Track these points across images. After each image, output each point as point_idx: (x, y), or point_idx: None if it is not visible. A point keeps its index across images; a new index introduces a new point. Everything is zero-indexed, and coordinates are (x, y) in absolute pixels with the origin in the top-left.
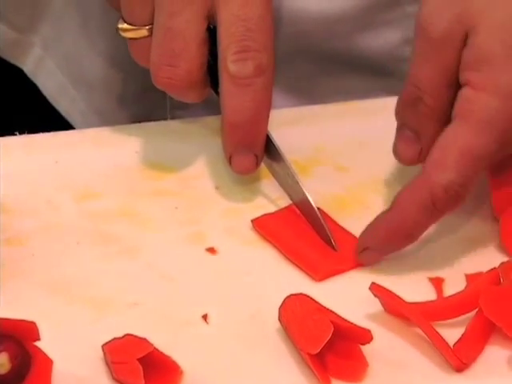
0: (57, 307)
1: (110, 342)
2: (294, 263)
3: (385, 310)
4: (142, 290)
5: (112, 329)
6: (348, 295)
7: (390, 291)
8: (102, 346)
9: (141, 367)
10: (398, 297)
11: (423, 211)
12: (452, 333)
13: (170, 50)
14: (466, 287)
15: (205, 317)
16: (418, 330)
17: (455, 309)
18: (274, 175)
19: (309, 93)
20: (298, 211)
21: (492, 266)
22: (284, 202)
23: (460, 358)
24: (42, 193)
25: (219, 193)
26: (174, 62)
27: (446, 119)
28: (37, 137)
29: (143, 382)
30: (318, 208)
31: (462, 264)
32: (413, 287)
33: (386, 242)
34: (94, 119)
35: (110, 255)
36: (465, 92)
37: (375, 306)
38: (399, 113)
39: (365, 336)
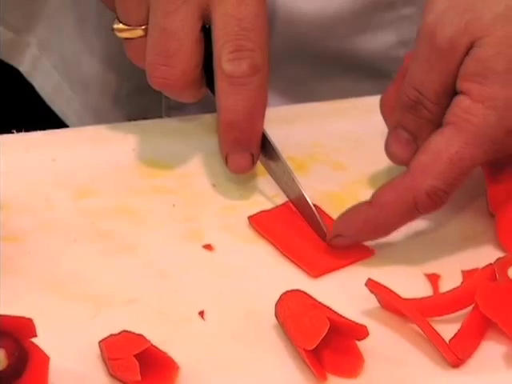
0: (54, 304)
1: (106, 338)
2: (290, 260)
3: (381, 306)
4: (139, 286)
5: (109, 325)
6: (344, 291)
7: (387, 287)
8: (99, 343)
9: (137, 363)
10: (395, 293)
11: (404, 210)
12: (448, 328)
13: (165, 50)
14: (462, 283)
15: (201, 313)
16: (415, 326)
17: (451, 305)
18: (270, 173)
19: (304, 94)
20: (294, 208)
21: (488, 262)
22: (280, 199)
23: (456, 353)
24: (40, 190)
25: (216, 190)
26: (170, 62)
27: (440, 124)
28: (34, 135)
29: (139, 377)
30: (315, 205)
31: (458, 260)
32: (409, 283)
33: (361, 233)
34: (89, 119)
35: (106, 252)
36: (462, 101)
37: (371, 302)
38: (396, 116)
39: (361, 332)
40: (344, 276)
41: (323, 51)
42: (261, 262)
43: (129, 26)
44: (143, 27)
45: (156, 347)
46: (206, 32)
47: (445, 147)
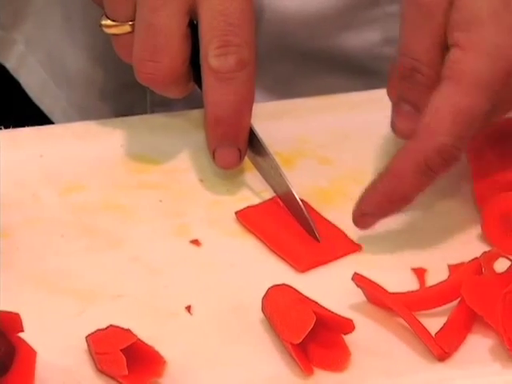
0: (41, 299)
1: (93, 333)
2: (277, 255)
3: (367, 300)
4: (126, 281)
5: (96, 320)
6: (331, 286)
7: (373, 281)
8: (86, 337)
9: (124, 358)
10: (381, 287)
11: (418, 174)
12: (434, 322)
13: (152, 46)
14: (448, 277)
15: (188, 308)
16: (401, 320)
17: (437, 299)
18: (257, 168)
19: (290, 92)
20: (281, 203)
21: (474, 256)
22: (268, 194)
23: (442, 347)
24: (27, 186)
25: (203, 186)
26: (157, 58)
27: None
28: (21, 131)
29: (126, 372)
30: (302, 200)
31: (444, 254)
32: (395, 277)
33: (383, 205)
34: (75, 117)
35: (94, 248)
36: (453, 53)
37: (358, 296)
38: (396, 88)
39: (347, 326)
40: (331, 270)
41: (308, 49)
42: (248, 256)
43: (116, 21)
44: (131, 23)
45: (143, 342)
46: (194, 28)
47: (444, 102)
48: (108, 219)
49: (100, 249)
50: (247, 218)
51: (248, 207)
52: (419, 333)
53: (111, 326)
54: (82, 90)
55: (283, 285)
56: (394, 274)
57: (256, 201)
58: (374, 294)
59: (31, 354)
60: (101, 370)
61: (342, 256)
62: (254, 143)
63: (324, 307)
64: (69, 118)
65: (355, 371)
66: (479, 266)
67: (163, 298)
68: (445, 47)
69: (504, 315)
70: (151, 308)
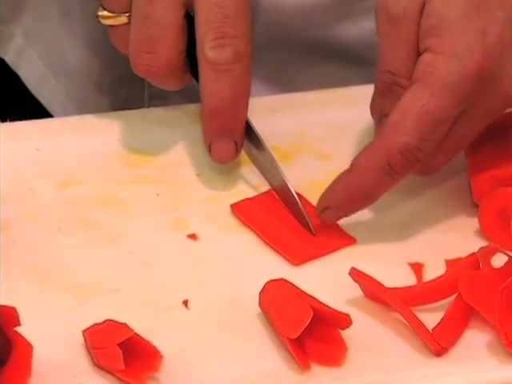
0: (38, 293)
1: (90, 327)
2: (273, 248)
3: (364, 295)
4: (123, 276)
5: (93, 315)
6: (328, 280)
7: (370, 276)
8: (83, 332)
9: (121, 352)
10: (378, 282)
11: (381, 173)
12: (431, 317)
13: (148, 37)
14: (445, 272)
15: (185, 302)
16: (398, 315)
17: (435, 294)
18: (254, 162)
19: (286, 82)
20: (276, 196)
21: (471, 252)
22: (265, 188)
23: (439, 342)
24: (24, 180)
25: (200, 180)
26: (153, 49)
27: None
28: (18, 124)
29: (123, 366)
30: (297, 193)
31: (441, 249)
32: (392, 272)
33: (346, 202)
34: (73, 109)
35: (91, 242)
36: (424, 56)
37: (355, 291)
38: (377, 105)
39: (344, 321)
40: (328, 265)
41: (305, 39)
42: (245, 251)
43: (113, 13)
44: (127, 14)
45: (140, 336)
46: (190, 19)
47: (412, 103)
48: (105, 213)
49: (97, 243)
50: (242, 211)
51: (243, 200)
52: (416, 328)
53: (108, 320)
54: (80, 83)
55: (280, 279)
56: (391, 268)
57: (252, 195)
58: (371, 288)
59: (28, 348)
60: (97, 364)
61: (337, 249)
62: (250, 137)
63: (321, 302)
64: (67, 111)
65: (352, 366)
66: (476, 261)
67: (160, 292)
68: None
69: (501, 310)
70: (148, 302)
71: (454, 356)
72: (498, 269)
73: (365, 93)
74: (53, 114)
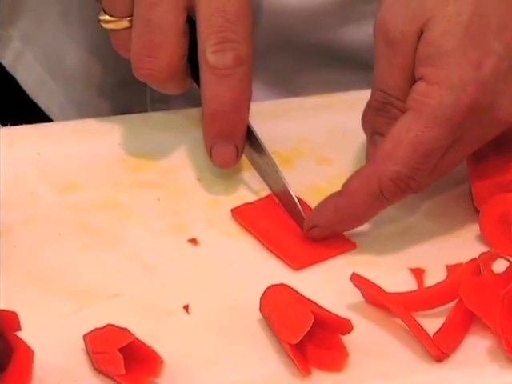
0: (38, 298)
1: (91, 332)
2: (273, 253)
3: (365, 300)
4: (124, 280)
5: (93, 319)
6: (329, 285)
7: (371, 281)
8: (84, 336)
9: (121, 357)
10: (379, 287)
11: (371, 198)
12: (432, 323)
13: (149, 42)
14: (446, 278)
15: (186, 307)
16: (399, 321)
17: (435, 299)
18: (255, 167)
19: (290, 86)
20: (277, 201)
21: (472, 257)
22: (265, 193)
23: (440, 347)
24: (25, 185)
25: (201, 184)
26: (154, 54)
27: None
28: (19, 129)
29: (124, 371)
30: (298, 198)
31: (442, 254)
32: (393, 278)
33: (335, 222)
34: (72, 113)
35: (91, 246)
36: (419, 85)
37: (356, 296)
38: (369, 122)
39: (345, 326)
40: (329, 270)
41: (308, 43)
42: (246, 256)
43: (114, 17)
44: (129, 18)
45: (140, 341)
46: (192, 24)
47: (405, 132)
48: (105, 218)
49: (97, 247)
50: (243, 216)
51: (244, 205)
52: (417, 333)
53: (108, 325)
54: (80, 86)
55: (281, 284)
56: (392, 274)
57: (253, 200)
58: (371, 294)
59: (28, 352)
60: (98, 369)
61: (337, 254)
62: (251, 141)
63: (322, 307)
64: (66, 114)
65: (353, 372)
66: (477, 266)
67: (161, 297)
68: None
69: (502, 316)
70: (149, 307)
71: (454, 362)
72: (498, 274)
73: (365, 97)
74: (51, 117)
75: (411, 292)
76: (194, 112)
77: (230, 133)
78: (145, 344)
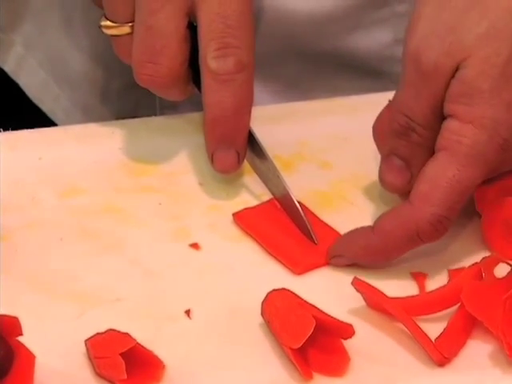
0: (40, 302)
1: (92, 337)
2: (275, 257)
3: (367, 304)
4: (125, 285)
5: (95, 324)
6: (330, 290)
7: (373, 286)
8: (85, 341)
9: (123, 362)
10: (381, 292)
11: (407, 240)
12: (434, 327)
13: (151, 48)
14: (448, 282)
15: (188, 312)
16: (401, 325)
17: (437, 304)
18: (256, 171)
19: (298, 94)
20: (278, 205)
21: (474, 262)
22: (267, 198)
23: (442, 352)
24: (26, 189)
25: (203, 189)
26: (156, 59)
27: (432, 148)
28: (21, 133)
29: (125, 376)
30: (299, 202)
31: (444, 259)
32: (395, 282)
33: (363, 257)
34: (77, 117)
35: (93, 251)
36: (451, 124)
37: (358, 300)
38: (387, 141)
39: (347, 331)
40: (330, 274)
41: (317, 50)
42: (247, 260)
43: (116, 23)
44: (130, 24)
45: (142, 346)
46: (193, 29)
47: (441, 173)
48: (107, 222)
49: (99, 252)
50: (244, 220)
51: (245, 209)
52: (419, 338)
53: (110, 329)
54: (85, 91)
55: (283, 289)
56: (394, 278)
57: (255, 204)
58: (373, 298)
59: (30, 357)
60: (100, 374)
61: None
62: (253, 146)
63: (324, 312)
64: (72, 119)
65: (354, 376)
66: (479, 271)
67: (162, 301)
68: (441, 112)
69: (504, 321)
70: (150, 312)
71: (456, 366)
72: (500, 279)
73: (367, 101)
74: (56, 121)
75: (413, 296)
76: (196, 116)
77: (231, 138)
78: (146, 349)
